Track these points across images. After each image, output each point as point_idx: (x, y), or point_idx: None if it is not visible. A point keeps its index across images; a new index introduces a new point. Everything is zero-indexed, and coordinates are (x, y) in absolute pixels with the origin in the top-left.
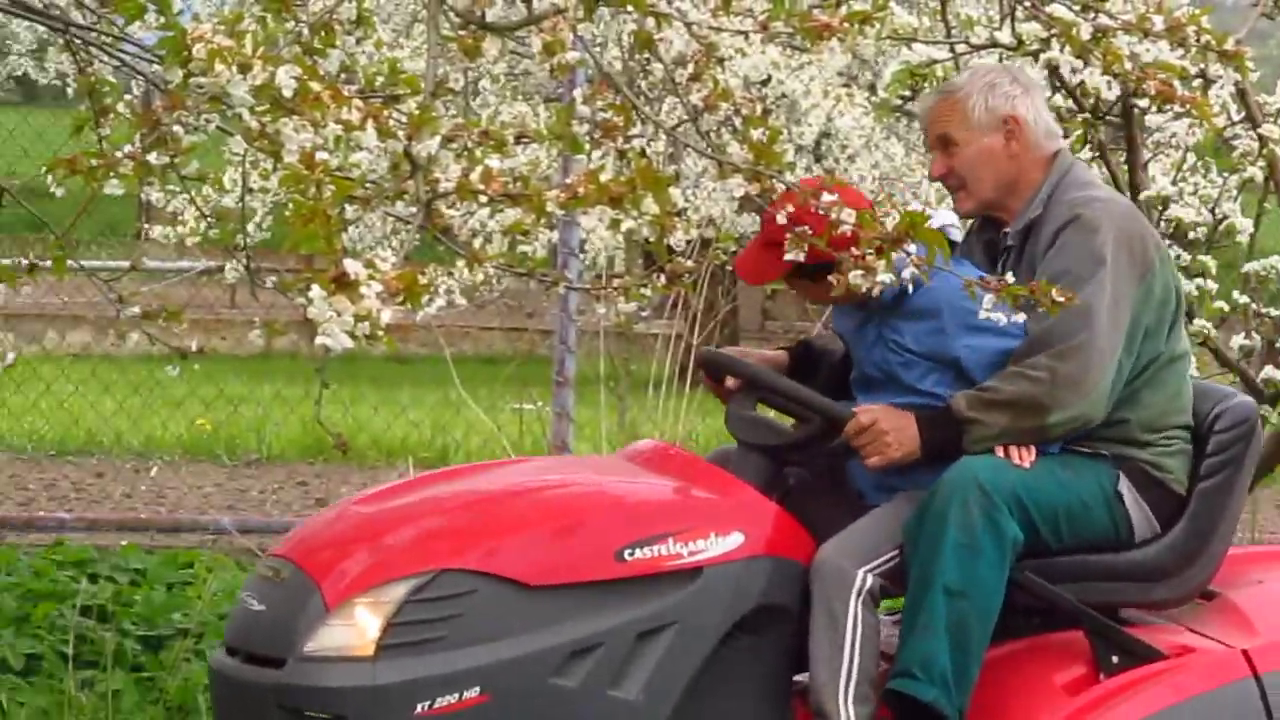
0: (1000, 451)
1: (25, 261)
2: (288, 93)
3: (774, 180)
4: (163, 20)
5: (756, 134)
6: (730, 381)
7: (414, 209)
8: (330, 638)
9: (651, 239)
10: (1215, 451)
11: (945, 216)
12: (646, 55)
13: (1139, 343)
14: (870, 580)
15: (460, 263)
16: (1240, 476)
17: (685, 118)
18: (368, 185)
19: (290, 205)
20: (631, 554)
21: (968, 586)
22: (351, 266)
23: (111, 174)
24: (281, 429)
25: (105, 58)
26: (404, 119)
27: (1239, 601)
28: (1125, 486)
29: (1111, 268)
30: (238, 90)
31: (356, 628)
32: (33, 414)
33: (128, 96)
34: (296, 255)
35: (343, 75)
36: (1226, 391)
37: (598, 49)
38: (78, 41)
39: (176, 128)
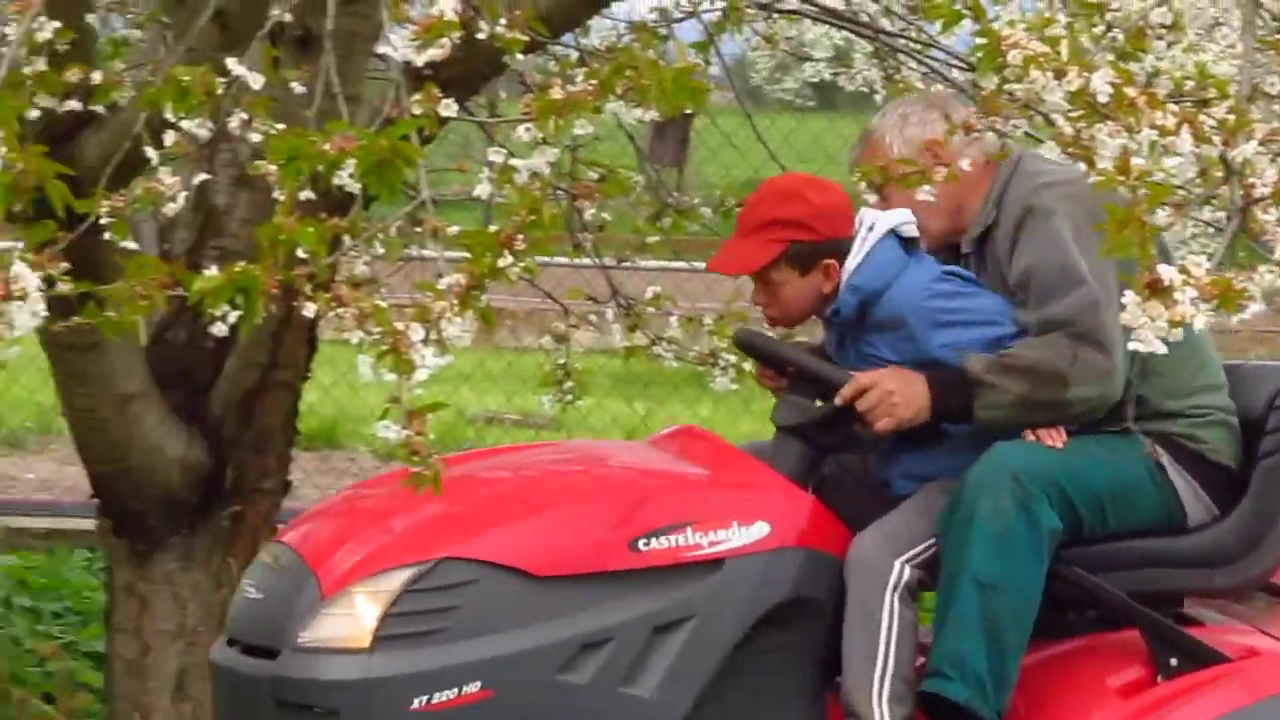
0: (1030, 435)
1: None
2: (1103, 98)
3: None
4: (973, 26)
5: None
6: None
7: (1221, 214)
8: (325, 628)
9: None
10: (1277, 427)
11: (891, 218)
12: None
13: None
14: (907, 572)
15: (1263, 267)
16: None
17: None
18: (1180, 190)
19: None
20: (647, 544)
21: (1001, 579)
22: (1166, 272)
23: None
24: None
25: (912, 64)
26: (1215, 123)
27: None
28: (1167, 461)
29: (1079, 247)
30: (1053, 96)
31: (352, 617)
32: None
33: None
34: None
35: (1147, 79)
36: None
37: None
38: (885, 48)
39: (989, 134)
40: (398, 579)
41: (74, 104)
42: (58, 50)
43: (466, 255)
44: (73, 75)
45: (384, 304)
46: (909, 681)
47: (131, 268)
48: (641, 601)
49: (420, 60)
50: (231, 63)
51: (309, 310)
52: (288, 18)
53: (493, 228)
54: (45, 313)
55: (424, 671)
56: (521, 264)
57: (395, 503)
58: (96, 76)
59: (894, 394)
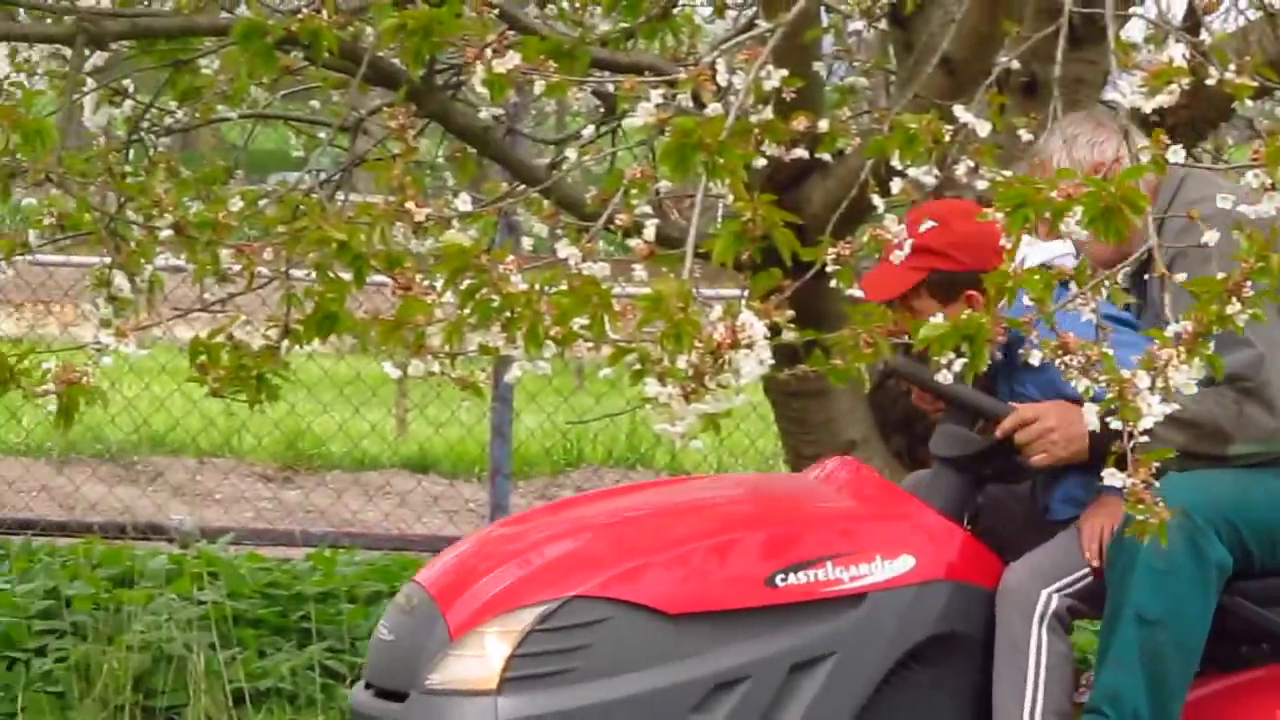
0: None
1: None
2: None
3: None
4: None
5: None
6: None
7: None
8: (453, 669)
9: None
10: None
11: (1057, 246)
12: None
13: None
14: (1055, 602)
15: None
16: None
17: None
18: None
19: None
20: (784, 579)
21: (1165, 615)
22: None
23: None
24: None
25: None
26: None
27: None
28: None
29: None
30: None
31: (480, 659)
32: None
33: None
34: None
35: None
36: None
37: None
38: None
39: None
40: (526, 619)
41: (800, 152)
42: (784, 98)
43: (1194, 302)
44: (799, 123)
45: (1109, 351)
46: (1063, 716)
47: (856, 315)
48: (779, 639)
49: (1148, 106)
50: (959, 109)
51: (1034, 358)
52: (1015, 64)
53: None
54: (771, 360)
55: (552, 713)
56: (1250, 311)
57: (528, 541)
58: (823, 124)
59: (1054, 431)
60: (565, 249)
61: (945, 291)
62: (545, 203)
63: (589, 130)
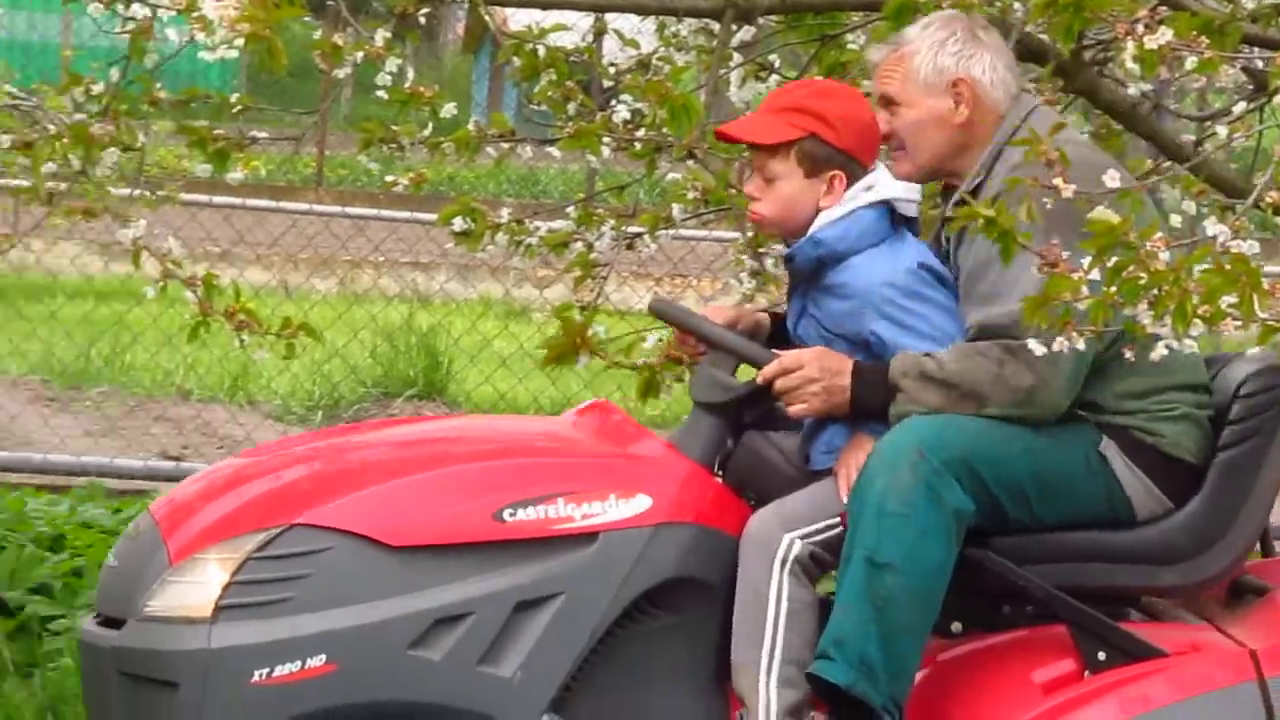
0: None
1: None
2: None
3: None
4: None
5: None
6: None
7: None
8: (169, 596)
9: None
10: (1239, 418)
11: (893, 188)
12: None
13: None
14: (797, 547)
15: None
16: (1271, 447)
17: None
18: None
19: None
20: (513, 515)
21: (896, 559)
22: None
23: None
24: None
25: None
26: None
27: None
28: (1113, 453)
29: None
30: None
31: (196, 586)
32: None
33: None
34: None
35: None
36: (1262, 358)
37: None
38: None
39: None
40: (246, 545)
41: None
42: None
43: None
44: None
45: None
46: (803, 666)
47: None
48: (505, 575)
49: None
50: None
51: None
52: None
53: None
54: None
55: (265, 643)
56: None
57: (258, 471)
58: None
59: (815, 382)
60: (1214, 226)
61: (814, 162)
62: (1193, 180)
63: (1240, 106)
